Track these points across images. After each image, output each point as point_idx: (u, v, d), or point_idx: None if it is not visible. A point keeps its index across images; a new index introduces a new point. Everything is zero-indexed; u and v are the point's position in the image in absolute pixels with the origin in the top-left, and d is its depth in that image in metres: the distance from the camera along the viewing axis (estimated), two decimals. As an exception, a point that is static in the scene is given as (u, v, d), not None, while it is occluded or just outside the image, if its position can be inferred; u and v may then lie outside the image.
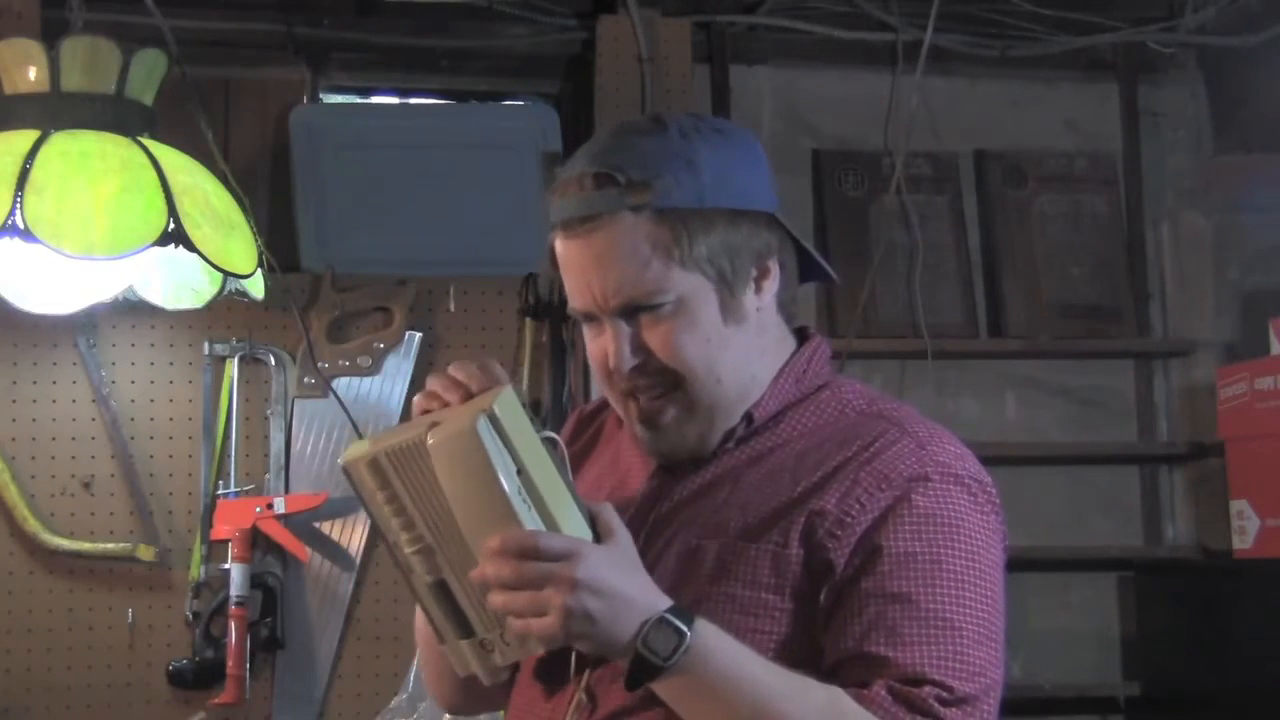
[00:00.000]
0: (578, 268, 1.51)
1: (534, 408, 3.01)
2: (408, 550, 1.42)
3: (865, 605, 1.41)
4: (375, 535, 2.94)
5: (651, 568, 1.46)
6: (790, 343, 1.59)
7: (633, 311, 1.49)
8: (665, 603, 1.37)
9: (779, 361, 1.56)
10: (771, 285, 1.54)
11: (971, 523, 1.45)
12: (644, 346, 1.50)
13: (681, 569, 1.48)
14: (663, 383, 1.51)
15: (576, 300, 1.53)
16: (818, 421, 1.54)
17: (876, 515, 1.43)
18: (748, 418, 1.54)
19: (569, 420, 1.76)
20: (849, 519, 1.44)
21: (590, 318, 1.53)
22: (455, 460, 1.35)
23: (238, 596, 2.83)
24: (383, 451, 1.41)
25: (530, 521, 1.34)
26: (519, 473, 1.35)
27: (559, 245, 1.53)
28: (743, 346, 1.52)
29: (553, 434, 1.42)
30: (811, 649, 1.44)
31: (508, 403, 1.37)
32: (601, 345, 1.52)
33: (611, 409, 1.65)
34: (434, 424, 1.37)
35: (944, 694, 1.38)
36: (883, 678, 1.38)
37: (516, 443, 1.36)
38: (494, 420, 1.35)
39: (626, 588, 1.35)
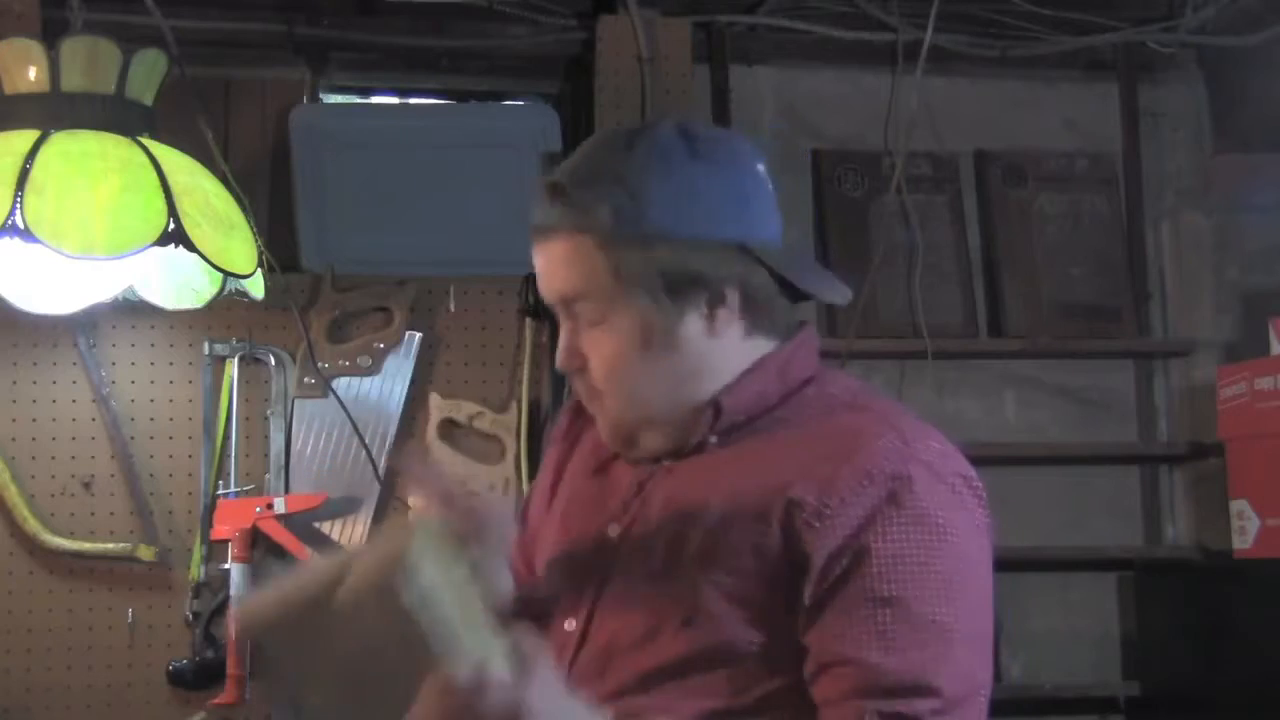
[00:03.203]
0: (538, 273, 1.58)
1: (533, 408, 3.01)
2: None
3: (854, 608, 1.41)
4: (375, 536, 2.95)
5: (637, 553, 1.51)
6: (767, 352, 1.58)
7: (563, 304, 1.56)
8: None
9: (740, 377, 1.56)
10: (729, 316, 1.53)
11: (958, 522, 1.45)
12: (580, 353, 1.56)
13: (669, 557, 1.50)
14: (593, 392, 1.57)
15: (544, 298, 1.60)
16: (802, 414, 1.55)
17: (862, 514, 1.43)
18: (715, 406, 1.54)
19: (563, 414, 1.78)
20: (828, 511, 1.43)
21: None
22: (374, 617, 1.31)
23: (238, 596, 2.83)
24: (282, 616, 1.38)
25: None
26: (435, 621, 1.30)
27: None
28: (673, 374, 1.53)
29: (472, 562, 1.38)
30: (795, 638, 1.44)
31: (425, 540, 1.33)
32: None
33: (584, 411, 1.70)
34: (338, 570, 1.33)
35: (936, 705, 1.37)
36: (873, 683, 1.38)
37: (436, 597, 1.31)
38: (413, 566, 1.30)
39: None
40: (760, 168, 1.58)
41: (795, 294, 1.59)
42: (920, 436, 1.49)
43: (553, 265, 1.55)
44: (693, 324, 1.52)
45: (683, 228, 1.51)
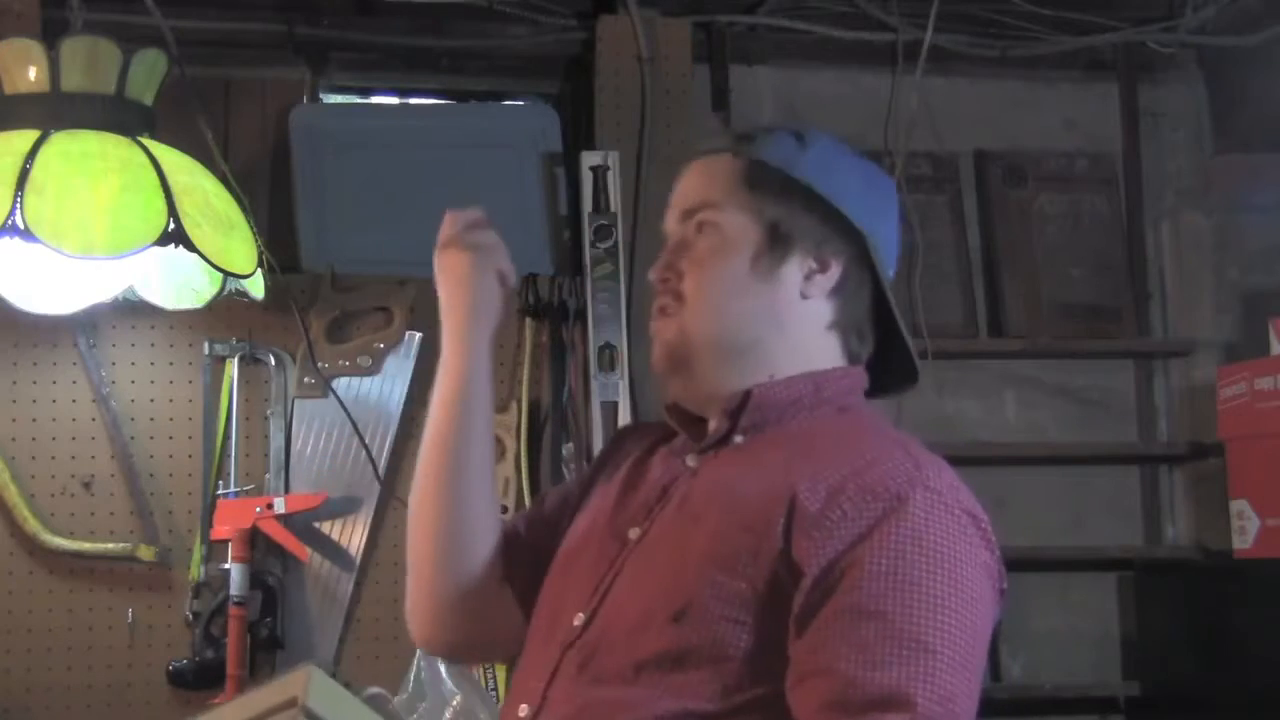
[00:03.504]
0: (674, 193, 1.66)
1: (533, 408, 3.01)
2: None
3: (838, 621, 1.39)
4: (375, 536, 2.95)
5: (647, 551, 1.54)
6: (836, 363, 1.62)
7: (687, 216, 1.62)
8: None
9: (806, 364, 1.59)
10: (825, 283, 1.59)
11: (958, 551, 1.43)
12: (678, 266, 1.61)
13: (673, 553, 1.51)
14: (675, 301, 1.60)
15: (666, 226, 1.67)
16: (833, 430, 1.56)
17: (860, 529, 1.42)
18: (746, 393, 1.57)
19: (609, 441, 1.83)
20: (828, 523, 1.43)
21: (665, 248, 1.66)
22: None
23: (238, 596, 2.83)
24: None
25: None
26: None
27: None
28: (758, 307, 1.58)
29: (377, 690, 1.34)
30: (783, 648, 1.44)
31: (320, 684, 1.27)
32: None
33: (656, 425, 1.74)
34: None
35: (906, 718, 1.34)
36: (848, 697, 1.36)
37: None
38: (312, 714, 1.25)
39: None
40: (897, 208, 1.70)
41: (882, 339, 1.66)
42: (935, 467, 1.48)
43: (693, 178, 1.64)
44: (792, 272, 1.59)
45: (829, 188, 1.60)
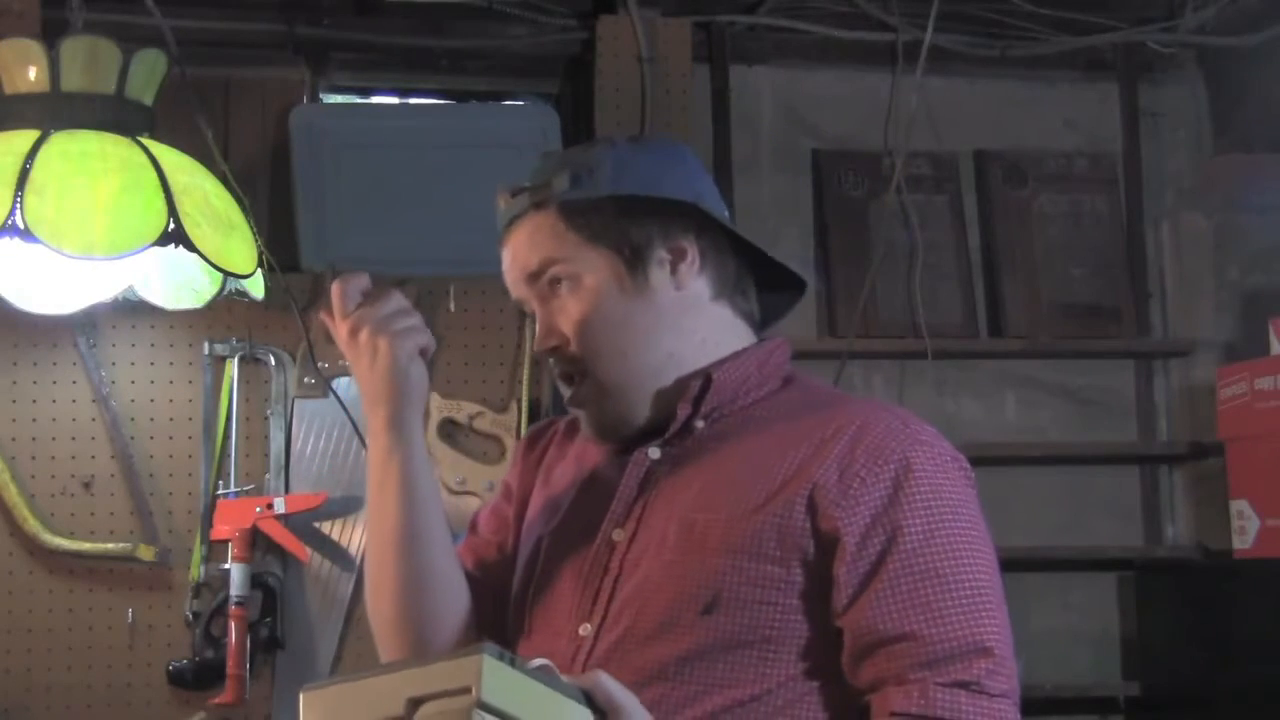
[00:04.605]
0: (506, 267, 1.66)
1: (533, 407, 3.00)
2: None
3: (896, 586, 1.45)
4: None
5: (648, 549, 1.53)
6: (746, 338, 1.65)
7: (533, 280, 1.61)
8: None
9: (718, 348, 1.62)
10: (690, 268, 1.61)
11: (962, 493, 1.52)
12: (558, 329, 1.62)
13: (684, 547, 1.51)
14: (575, 364, 1.61)
15: (513, 294, 1.67)
16: (792, 407, 1.60)
17: (884, 493, 1.48)
18: (706, 376, 1.58)
19: (516, 451, 1.81)
20: (852, 490, 1.48)
21: (530, 314, 1.66)
22: None
23: (238, 596, 2.83)
24: None
25: None
26: None
27: None
28: (650, 323, 1.60)
29: (542, 661, 1.29)
30: (821, 619, 1.47)
31: (494, 673, 1.23)
32: None
33: (559, 421, 1.76)
34: (413, 701, 1.22)
35: (990, 665, 1.42)
36: (929, 655, 1.42)
37: (516, 711, 1.23)
38: (487, 707, 1.21)
39: None
40: (700, 164, 1.71)
41: (762, 282, 1.68)
42: (914, 421, 1.56)
43: (518, 249, 1.63)
44: (658, 274, 1.60)
45: (640, 185, 1.60)
